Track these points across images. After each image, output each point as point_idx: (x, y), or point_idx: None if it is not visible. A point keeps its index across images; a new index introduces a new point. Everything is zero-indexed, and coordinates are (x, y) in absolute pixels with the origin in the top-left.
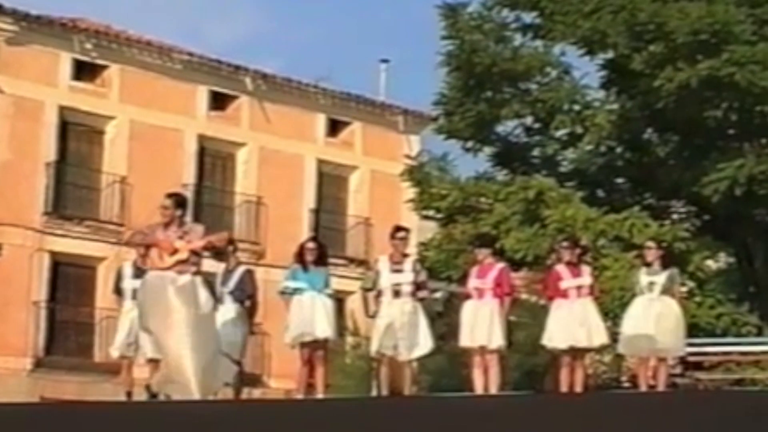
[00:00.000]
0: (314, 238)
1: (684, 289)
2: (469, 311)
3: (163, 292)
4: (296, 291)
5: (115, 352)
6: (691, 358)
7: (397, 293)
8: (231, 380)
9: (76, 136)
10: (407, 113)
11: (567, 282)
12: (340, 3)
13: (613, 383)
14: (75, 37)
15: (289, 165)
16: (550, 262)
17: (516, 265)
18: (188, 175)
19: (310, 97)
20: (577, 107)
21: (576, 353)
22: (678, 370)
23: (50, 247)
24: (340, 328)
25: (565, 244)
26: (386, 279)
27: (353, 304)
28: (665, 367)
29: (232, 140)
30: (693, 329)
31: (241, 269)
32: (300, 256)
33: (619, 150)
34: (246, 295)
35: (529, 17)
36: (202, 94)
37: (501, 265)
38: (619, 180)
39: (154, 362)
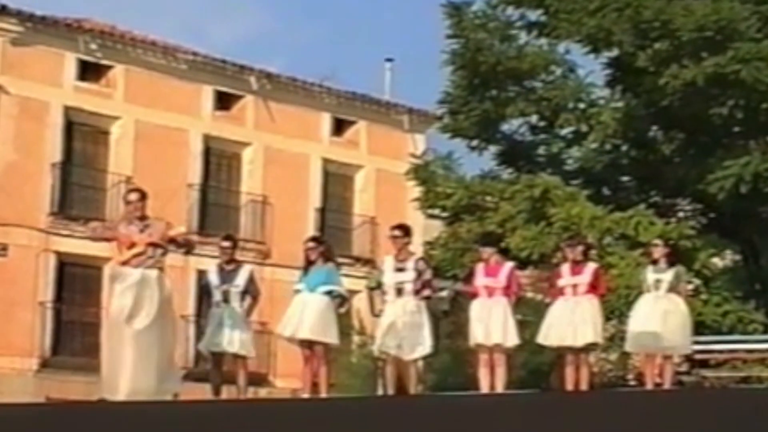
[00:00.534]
0: (313, 238)
1: (690, 286)
2: (479, 309)
3: (141, 290)
4: (296, 292)
5: None
6: (698, 356)
7: (399, 292)
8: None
9: (82, 136)
10: (412, 112)
11: (564, 280)
12: (345, 2)
13: (620, 381)
14: (80, 38)
15: (294, 164)
16: (555, 260)
17: (522, 263)
18: (193, 174)
19: (315, 96)
20: (582, 105)
21: (576, 351)
22: (684, 368)
23: (56, 248)
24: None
25: (568, 242)
26: (389, 278)
27: (359, 303)
28: (671, 365)
29: (238, 140)
30: (699, 327)
31: (247, 268)
32: (306, 257)
33: (624, 148)
34: (252, 294)
35: (533, 15)
36: (207, 94)
37: (510, 264)
38: (625, 178)
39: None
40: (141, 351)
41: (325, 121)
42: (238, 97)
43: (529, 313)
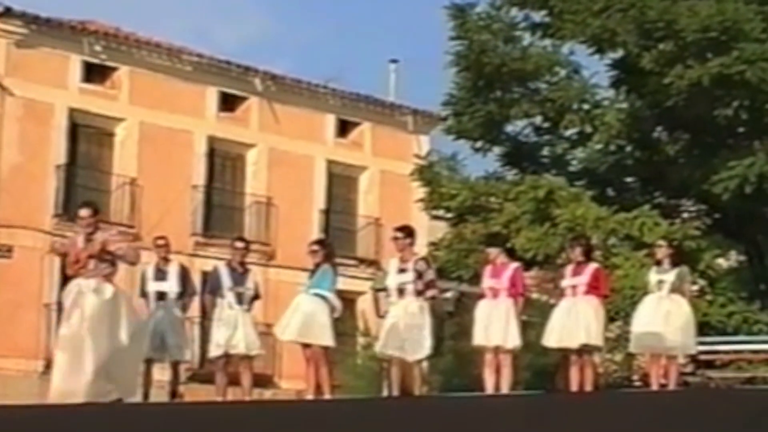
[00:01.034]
0: (316, 241)
1: (695, 287)
2: (483, 311)
3: (78, 298)
4: None
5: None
6: (703, 357)
7: (401, 293)
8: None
9: (86, 138)
10: (417, 113)
11: (566, 281)
12: (349, 3)
13: (625, 382)
14: (84, 40)
15: (298, 166)
16: (560, 261)
17: (526, 264)
18: (198, 176)
19: (320, 97)
20: (586, 106)
21: (581, 352)
22: (689, 368)
23: None
24: (351, 328)
25: (570, 243)
26: (392, 279)
27: (364, 304)
28: (676, 366)
29: (242, 141)
30: (704, 327)
31: (254, 272)
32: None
33: (628, 149)
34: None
35: (538, 16)
36: (211, 96)
37: (515, 264)
38: (629, 179)
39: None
40: (73, 355)
41: (330, 122)
42: (243, 99)
43: (534, 314)
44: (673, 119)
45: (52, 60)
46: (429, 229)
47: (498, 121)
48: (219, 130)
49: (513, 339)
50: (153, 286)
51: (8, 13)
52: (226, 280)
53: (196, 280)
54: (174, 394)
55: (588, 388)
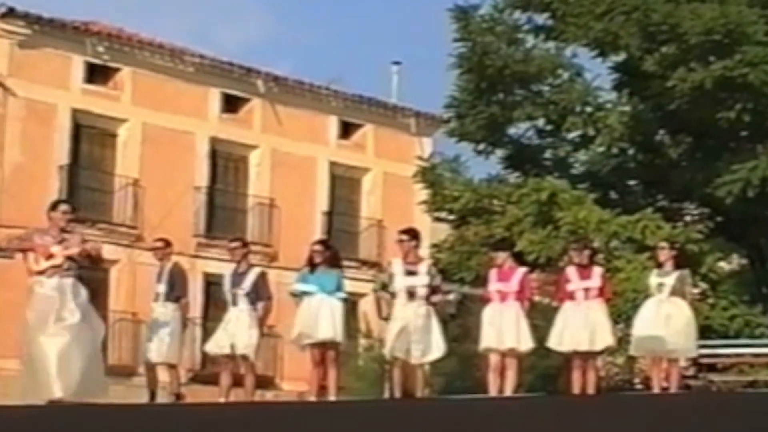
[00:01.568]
0: (321, 241)
1: (697, 290)
2: (492, 314)
3: (45, 299)
4: (305, 294)
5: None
6: (705, 360)
7: (411, 296)
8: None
9: (89, 138)
10: (419, 115)
11: (574, 284)
12: (352, 5)
13: (626, 385)
14: (87, 40)
15: (301, 167)
16: (562, 264)
17: (529, 267)
18: (201, 177)
19: (322, 99)
20: (589, 109)
21: (586, 355)
22: (691, 371)
23: None
24: (353, 330)
25: (574, 245)
26: (400, 281)
27: (366, 306)
28: (677, 369)
29: (245, 143)
30: (706, 331)
31: (255, 271)
32: (309, 259)
33: (631, 152)
34: (261, 297)
35: (541, 19)
36: (214, 97)
37: (523, 269)
38: (632, 182)
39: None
40: (63, 354)
41: (332, 124)
42: (245, 100)
43: (536, 317)
44: (676, 122)
45: (55, 60)
46: (431, 231)
47: (501, 123)
48: (221, 131)
49: (526, 341)
50: (154, 287)
51: (11, 13)
52: (226, 282)
53: (199, 281)
54: (177, 396)
55: (590, 391)
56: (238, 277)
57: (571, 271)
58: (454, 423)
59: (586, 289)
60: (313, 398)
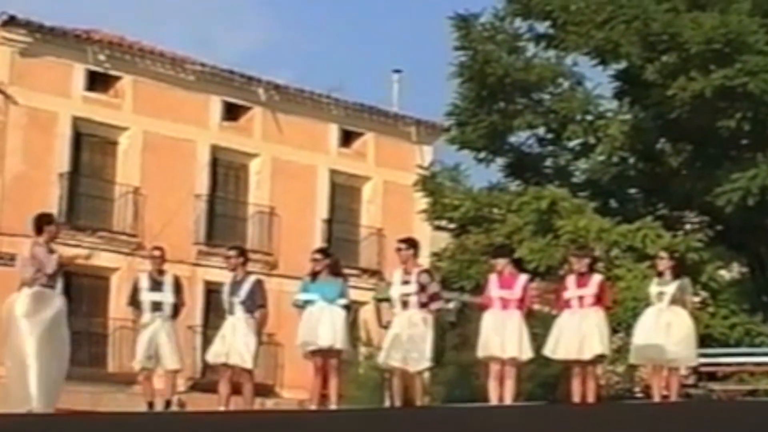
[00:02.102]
0: (320, 249)
1: (697, 299)
2: (493, 321)
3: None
4: (308, 303)
5: (137, 365)
6: (705, 369)
7: (405, 304)
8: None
9: (90, 146)
10: (420, 124)
11: (570, 292)
12: (352, 13)
13: (627, 393)
14: (88, 49)
15: (301, 175)
16: (562, 272)
17: (529, 275)
18: (201, 185)
19: (323, 107)
20: (589, 117)
21: (584, 363)
22: (691, 380)
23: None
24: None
25: (575, 252)
26: (395, 290)
27: (366, 314)
28: (677, 378)
29: (245, 151)
30: (706, 340)
31: (251, 279)
32: (312, 268)
33: (631, 160)
34: (257, 305)
35: (541, 27)
36: (214, 105)
37: (525, 276)
38: (632, 190)
39: (171, 373)
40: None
41: (333, 132)
42: (246, 108)
43: (536, 325)
44: (676, 131)
45: (56, 69)
46: (432, 240)
47: (501, 131)
48: (222, 139)
49: (527, 351)
50: (148, 296)
51: (12, 21)
52: (225, 290)
53: (199, 289)
54: (169, 403)
55: (590, 399)
56: (235, 286)
57: (570, 280)
58: (454, 431)
59: (581, 297)
60: (313, 406)
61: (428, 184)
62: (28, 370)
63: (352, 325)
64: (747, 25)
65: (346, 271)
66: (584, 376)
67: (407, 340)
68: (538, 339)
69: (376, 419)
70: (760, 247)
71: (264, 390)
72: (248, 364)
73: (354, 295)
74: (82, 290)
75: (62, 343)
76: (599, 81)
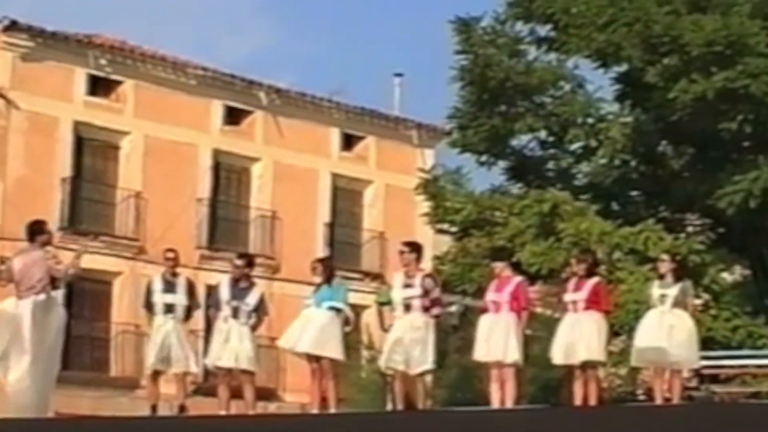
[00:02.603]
0: (318, 259)
1: (699, 301)
2: (485, 325)
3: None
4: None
5: (149, 368)
6: (707, 371)
7: (407, 308)
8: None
9: (91, 151)
10: (421, 127)
11: (567, 296)
12: (353, 17)
13: (629, 396)
14: (90, 53)
15: (303, 179)
16: (564, 275)
17: (531, 278)
18: (203, 189)
19: (324, 111)
20: (591, 120)
21: (584, 367)
22: (694, 383)
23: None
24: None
25: (574, 256)
26: (397, 293)
27: (368, 318)
28: (679, 380)
29: (247, 155)
30: (709, 342)
31: (259, 290)
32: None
33: (633, 163)
34: (261, 314)
35: (543, 30)
36: (216, 109)
37: (518, 278)
38: (634, 193)
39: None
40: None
41: (335, 136)
42: (248, 113)
43: (539, 328)
44: (678, 133)
45: (58, 73)
46: (434, 243)
47: (503, 135)
48: (224, 143)
49: (512, 353)
50: (161, 298)
51: (14, 26)
52: (225, 293)
53: (201, 293)
54: (183, 408)
55: (592, 402)
56: (240, 291)
57: (570, 283)
58: None
59: (574, 302)
60: (315, 410)
61: (430, 187)
62: (26, 376)
63: (355, 328)
64: (748, 27)
65: (349, 274)
66: (586, 379)
67: (409, 344)
68: (541, 342)
69: (377, 423)
70: (762, 250)
71: (266, 393)
72: (255, 368)
73: (356, 298)
74: (84, 294)
75: (57, 350)
76: (600, 84)
